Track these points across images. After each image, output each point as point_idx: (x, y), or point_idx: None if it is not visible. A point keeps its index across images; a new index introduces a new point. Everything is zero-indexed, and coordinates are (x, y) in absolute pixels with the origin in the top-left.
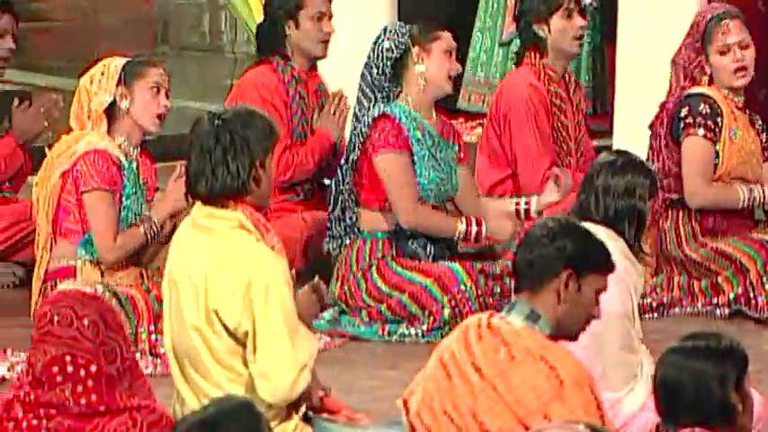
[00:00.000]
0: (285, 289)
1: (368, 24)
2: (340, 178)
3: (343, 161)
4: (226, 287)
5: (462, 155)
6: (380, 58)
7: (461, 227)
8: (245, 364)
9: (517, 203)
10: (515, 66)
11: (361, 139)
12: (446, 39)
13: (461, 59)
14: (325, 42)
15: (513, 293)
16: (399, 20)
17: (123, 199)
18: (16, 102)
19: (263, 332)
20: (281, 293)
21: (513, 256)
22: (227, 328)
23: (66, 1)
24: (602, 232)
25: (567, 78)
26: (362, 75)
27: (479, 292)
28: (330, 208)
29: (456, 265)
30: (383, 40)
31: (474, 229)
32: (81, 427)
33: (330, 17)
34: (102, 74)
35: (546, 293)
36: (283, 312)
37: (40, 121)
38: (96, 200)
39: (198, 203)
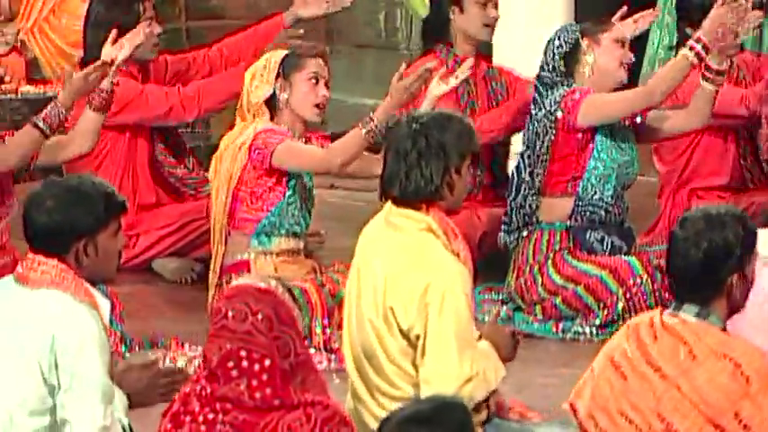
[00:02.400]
0: (462, 299)
1: (545, 25)
2: (522, 166)
3: (524, 148)
4: (404, 287)
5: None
6: (551, 56)
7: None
8: (415, 366)
9: (691, 47)
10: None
11: (551, 123)
12: (617, 29)
13: (639, 57)
14: (490, 27)
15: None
16: (576, 20)
17: (289, 180)
18: None
19: (432, 338)
20: (457, 303)
21: (667, 265)
22: (400, 329)
23: None
24: None
25: (729, 71)
26: (537, 76)
27: (655, 286)
28: (511, 196)
29: (633, 259)
30: (554, 39)
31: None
32: (256, 421)
33: (495, 5)
34: (264, 67)
35: (717, 299)
36: (456, 322)
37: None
38: (285, 150)
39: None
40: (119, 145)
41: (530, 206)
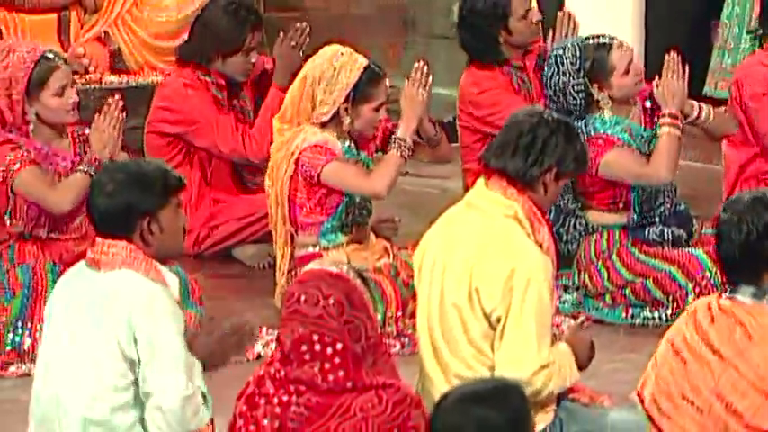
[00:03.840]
0: (545, 287)
1: (611, 25)
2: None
3: None
4: (490, 269)
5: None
6: (564, 102)
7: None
8: (494, 349)
9: (669, 124)
10: (760, 48)
11: None
12: (620, 58)
13: (709, 47)
14: (536, 29)
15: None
16: (645, 19)
17: None
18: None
19: (512, 322)
20: (540, 291)
21: (716, 250)
22: (483, 311)
23: None
24: None
25: None
26: (549, 97)
27: (725, 278)
28: (558, 224)
29: (700, 252)
30: (562, 89)
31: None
32: (329, 403)
33: (532, 6)
34: (332, 81)
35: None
36: (537, 309)
37: (297, 54)
38: (333, 171)
39: (479, 185)
40: (192, 163)
41: (579, 224)
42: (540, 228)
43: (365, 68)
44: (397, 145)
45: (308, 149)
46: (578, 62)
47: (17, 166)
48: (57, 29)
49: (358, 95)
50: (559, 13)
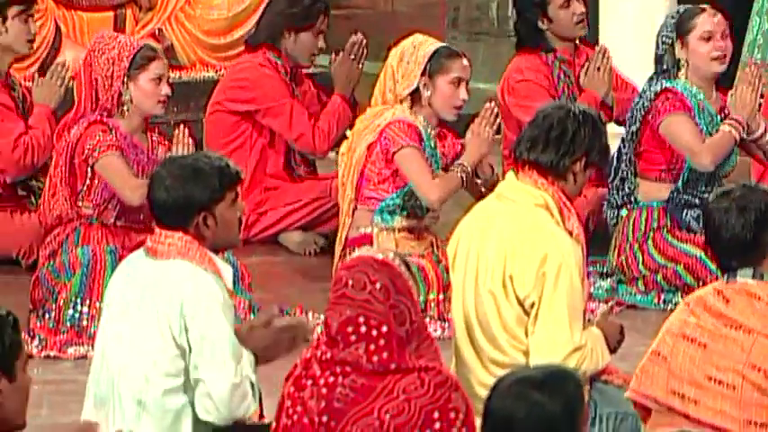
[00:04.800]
0: (576, 273)
1: (654, 14)
2: (622, 149)
3: (625, 133)
4: (523, 256)
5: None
6: (655, 54)
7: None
8: (527, 334)
9: (732, 125)
10: None
11: (643, 112)
12: (701, 23)
13: (739, 42)
14: (581, 22)
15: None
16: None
17: None
18: None
19: (545, 307)
20: (571, 276)
21: (713, 239)
22: (517, 297)
23: None
24: None
25: None
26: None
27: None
28: (610, 177)
29: None
30: (658, 34)
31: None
32: (373, 385)
33: None
34: (411, 57)
35: (764, 260)
36: (569, 294)
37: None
38: (407, 156)
39: (509, 177)
40: (252, 148)
41: (628, 187)
42: (570, 216)
43: (442, 46)
44: (459, 168)
45: (396, 123)
46: (677, 16)
47: (104, 147)
48: (113, 26)
49: (433, 66)
50: (597, 48)
